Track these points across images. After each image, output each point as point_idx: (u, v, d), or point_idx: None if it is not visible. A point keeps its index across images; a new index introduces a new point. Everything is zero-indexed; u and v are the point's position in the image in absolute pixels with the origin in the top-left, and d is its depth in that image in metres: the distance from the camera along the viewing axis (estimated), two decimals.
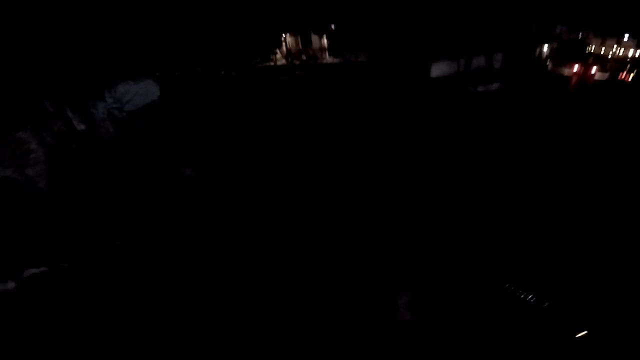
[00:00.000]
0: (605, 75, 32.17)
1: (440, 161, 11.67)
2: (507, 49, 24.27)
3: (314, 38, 36.76)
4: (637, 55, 67.62)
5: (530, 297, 5.95)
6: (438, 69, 23.46)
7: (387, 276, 5.80)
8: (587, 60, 47.23)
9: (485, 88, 24.82)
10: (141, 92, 18.20)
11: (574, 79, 29.44)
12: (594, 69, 31.89)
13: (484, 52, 23.74)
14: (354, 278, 6.07)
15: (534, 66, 29.35)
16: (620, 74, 31.53)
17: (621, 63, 44.64)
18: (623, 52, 76.81)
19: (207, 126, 17.45)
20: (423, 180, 10.45)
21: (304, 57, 34.87)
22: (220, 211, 9.63)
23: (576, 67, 30.63)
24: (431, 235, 7.48)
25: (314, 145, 14.46)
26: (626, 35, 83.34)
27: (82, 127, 14.19)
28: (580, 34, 62.01)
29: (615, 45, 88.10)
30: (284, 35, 35.43)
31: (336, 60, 34.28)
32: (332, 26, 32.94)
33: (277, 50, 35.55)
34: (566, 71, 33.36)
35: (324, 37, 35.37)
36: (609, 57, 68.92)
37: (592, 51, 66.22)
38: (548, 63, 31.14)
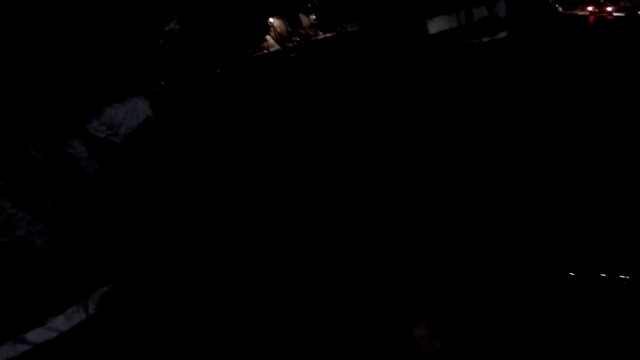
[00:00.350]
0: (623, 13, 27.35)
1: (446, 142, 9.43)
2: None
3: (302, 17, 34.94)
4: None
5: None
6: (435, 25, 21.23)
7: (395, 300, 3.65)
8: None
9: (490, 38, 22.48)
10: (130, 111, 17.07)
11: (592, 18, 26.37)
12: (610, 8, 28.31)
13: (484, 1, 21.29)
14: (351, 306, 4.11)
15: (543, 10, 26.49)
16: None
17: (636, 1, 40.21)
18: None
19: (209, 136, 16.01)
20: (430, 166, 8.39)
21: (296, 39, 33.19)
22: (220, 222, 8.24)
23: (590, 7, 27.92)
24: (445, 236, 5.32)
25: (315, 139, 12.63)
26: None
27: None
28: None
29: None
30: (271, 19, 33.79)
31: (328, 35, 32.44)
32: (316, 1, 31.19)
33: (268, 37, 33.95)
34: (579, 12, 29.66)
35: (312, 14, 33.56)
36: None
37: None
38: (557, 5, 27.95)
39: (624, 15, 25.28)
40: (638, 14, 24.14)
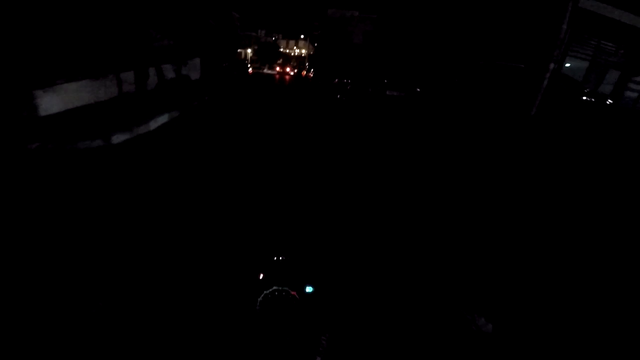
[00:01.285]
0: (294, 71, 51.60)
1: None
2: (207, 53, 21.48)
3: None
4: (310, 53, 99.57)
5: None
6: (57, 100, 9.45)
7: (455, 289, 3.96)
8: (279, 59, 69.02)
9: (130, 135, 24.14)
10: None
11: (277, 76, 47.15)
12: (288, 69, 50.72)
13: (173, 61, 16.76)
14: None
15: (238, 69, 37.92)
16: (303, 71, 48.18)
17: (300, 61, 66.94)
18: (298, 52, 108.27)
19: None
20: None
21: None
22: None
23: (278, 68, 50.37)
24: None
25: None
26: (302, 36, 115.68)
27: None
28: (274, 37, 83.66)
29: (295, 47, 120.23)
30: None
31: None
32: None
33: None
34: (266, 70, 51.27)
35: None
36: (292, 55, 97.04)
37: (283, 51, 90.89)
38: (249, 66, 44.69)
39: (295, 73, 49.24)
40: (302, 74, 43.10)
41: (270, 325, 1.76)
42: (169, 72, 16.65)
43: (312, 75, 42.00)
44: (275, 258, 2.24)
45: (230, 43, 37.17)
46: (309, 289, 2.04)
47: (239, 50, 49.95)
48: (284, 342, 1.73)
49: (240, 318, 2.17)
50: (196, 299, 2.62)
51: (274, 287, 1.88)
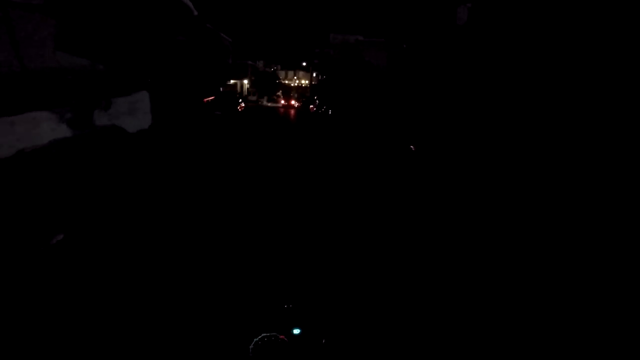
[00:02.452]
0: (299, 103, 46.98)
1: None
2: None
3: None
4: (312, 84, 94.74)
5: None
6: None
7: None
8: (278, 90, 64.78)
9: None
10: None
11: (282, 109, 42.76)
12: (293, 101, 46.65)
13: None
14: None
15: (225, 105, 31.99)
16: (311, 107, 41.63)
17: (300, 92, 60.74)
18: (298, 82, 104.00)
19: None
20: None
21: None
22: None
23: (282, 101, 47.37)
24: None
25: None
26: (304, 64, 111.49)
27: None
28: (272, 67, 77.80)
29: (294, 77, 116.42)
30: None
31: None
32: None
33: None
34: (265, 102, 48.97)
35: None
36: (293, 86, 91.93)
37: (282, 82, 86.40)
38: (242, 98, 37.37)
39: (300, 105, 43.44)
40: (310, 108, 36.59)
41: None
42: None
43: (314, 108, 36.92)
44: (285, 306, 2.42)
45: (215, 71, 29.62)
46: (296, 331, 2.19)
47: (231, 82, 42.31)
48: None
49: None
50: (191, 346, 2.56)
51: (263, 334, 2.01)
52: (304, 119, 32.28)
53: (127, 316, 3.04)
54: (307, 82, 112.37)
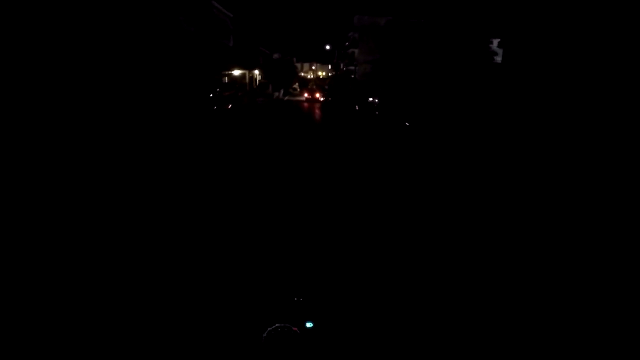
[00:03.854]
0: (321, 95, 39.54)
1: None
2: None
3: None
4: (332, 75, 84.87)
5: None
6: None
7: None
8: (295, 82, 56.80)
9: None
10: None
11: (306, 104, 35.42)
12: (317, 94, 40.10)
13: None
14: None
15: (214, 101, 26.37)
16: (327, 97, 37.17)
17: (320, 84, 51.45)
18: (314, 74, 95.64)
19: None
20: None
21: None
22: None
23: (306, 94, 40.51)
24: None
25: None
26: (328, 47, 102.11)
27: None
28: (287, 58, 68.44)
29: (311, 69, 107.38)
30: None
31: None
32: None
33: None
34: (280, 96, 40.47)
35: None
36: (310, 77, 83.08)
37: (300, 74, 77.68)
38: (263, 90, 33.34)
39: (324, 99, 37.36)
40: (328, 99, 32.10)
41: (275, 357, 1.99)
42: None
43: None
44: (295, 299, 2.48)
45: (205, 55, 21.32)
46: (309, 325, 2.26)
47: (236, 72, 33.07)
48: None
49: (246, 351, 2.23)
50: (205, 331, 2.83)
51: (277, 325, 2.09)
52: (340, 119, 22.68)
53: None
54: (324, 74, 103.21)
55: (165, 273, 3.93)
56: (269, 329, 2.06)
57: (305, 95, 40.90)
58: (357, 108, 26.55)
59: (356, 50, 42.48)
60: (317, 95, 39.01)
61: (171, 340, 2.77)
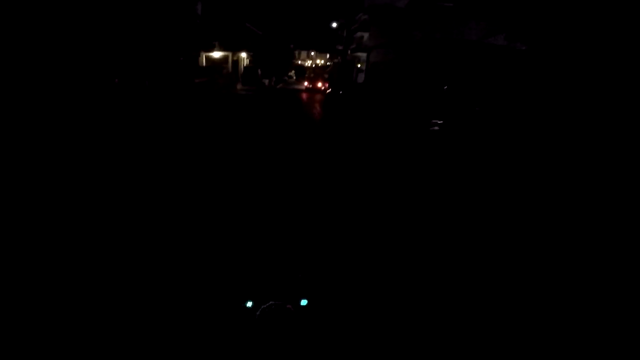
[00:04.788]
0: (323, 85, 33.82)
1: None
2: None
3: None
4: (326, 64, 78.10)
5: None
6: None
7: None
8: (291, 69, 50.86)
9: None
10: None
11: (304, 94, 29.45)
12: (319, 83, 34.10)
13: None
14: None
15: None
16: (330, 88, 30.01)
17: (318, 72, 44.54)
18: (311, 62, 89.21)
19: None
20: None
21: None
22: None
23: (306, 83, 35.30)
24: None
25: None
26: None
27: None
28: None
29: (308, 57, 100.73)
30: None
31: None
32: None
33: None
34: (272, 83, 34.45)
35: None
36: (308, 66, 76.66)
37: (298, 62, 71.17)
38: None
39: (325, 89, 30.30)
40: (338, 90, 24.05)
41: (268, 334, 1.95)
42: None
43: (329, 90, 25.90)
44: (293, 275, 2.53)
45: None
46: (303, 302, 2.21)
47: (217, 55, 26.20)
48: (282, 350, 1.92)
49: (241, 327, 2.24)
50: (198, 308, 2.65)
51: (271, 302, 2.04)
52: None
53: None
54: (322, 62, 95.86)
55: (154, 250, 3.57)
56: (262, 306, 2.01)
57: (305, 84, 34.87)
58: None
59: (366, 35, 35.56)
60: (319, 84, 32.60)
61: (163, 318, 2.51)
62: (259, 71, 31.89)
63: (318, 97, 27.01)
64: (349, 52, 38.93)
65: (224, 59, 28.47)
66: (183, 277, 3.12)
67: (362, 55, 35.39)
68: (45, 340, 2.38)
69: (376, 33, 32.94)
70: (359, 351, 2.32)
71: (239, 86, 27.67)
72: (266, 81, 32.52)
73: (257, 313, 2.02)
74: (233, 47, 28.50)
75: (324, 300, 2.48)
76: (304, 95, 27.61)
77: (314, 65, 72.74)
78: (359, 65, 36.08)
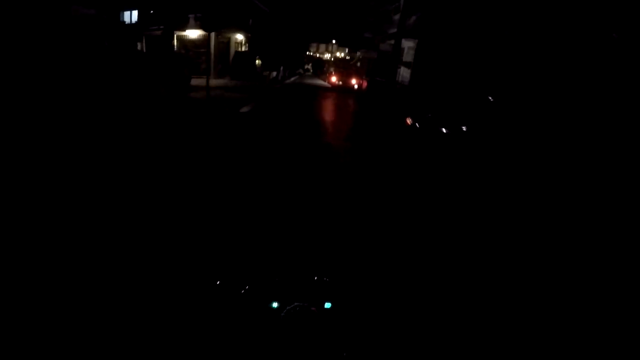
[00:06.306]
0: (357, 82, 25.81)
1: None
2: None
3: None
4: (346, 57, 68.83)
5: None
6: None
7: None
8: (304, 60, 42.72)
9: None
10: None
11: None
12: (353, 79, 25.96)
13: None
14: None
15: None
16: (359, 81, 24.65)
17: (342, 64, 35.48)
18: (331, 55, 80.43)
19: None
20: None
21: None
22: None
23: (333, 78, 27.43)
24: None
25: None
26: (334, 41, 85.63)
27: None
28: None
29: (327, 49, 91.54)
30: None
31: None
32: None
33: None
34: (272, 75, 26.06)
35: None
36: (325, 59, 68.06)
37: (315, 55, 62.46)
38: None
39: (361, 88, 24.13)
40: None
41: (292, 335, 1.89)
42: None
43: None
44: (316, 278, 2.33)
45: None
46: (327, 305, 2.13)
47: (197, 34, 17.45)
48: (306, 351, 1.86)
49: (265, 326, 2.01)
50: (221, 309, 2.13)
51: (296, 303, 1.99)
52: None
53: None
54: (341, 55, 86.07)
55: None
56: (287, 307, 1.98)
57: (333, 80, 26.85)
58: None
59: (413, 17, 25.61)
60: (353, 81, 24.62)
61: (186, 318, 2.21)
62: (258, 60, 22.44)
63: (350, 101, 17.79)
64: (386, 40, 29.06)
65: (200, 41, 19.18)
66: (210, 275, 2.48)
67: (408, 44, 25.49)
68: (44, 337, 2.53)
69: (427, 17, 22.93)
70: (378, 355, 2.25)
71: (216, 82, 18.33)
72: (273, 74, 23.18)
73: (282, 314, 1.93)
74: (219, 25, 19.13)
75: (348, 304, 2.21)
76: (327, 99, 18.27)
77: (332, 58, 63.26)
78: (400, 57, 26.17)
